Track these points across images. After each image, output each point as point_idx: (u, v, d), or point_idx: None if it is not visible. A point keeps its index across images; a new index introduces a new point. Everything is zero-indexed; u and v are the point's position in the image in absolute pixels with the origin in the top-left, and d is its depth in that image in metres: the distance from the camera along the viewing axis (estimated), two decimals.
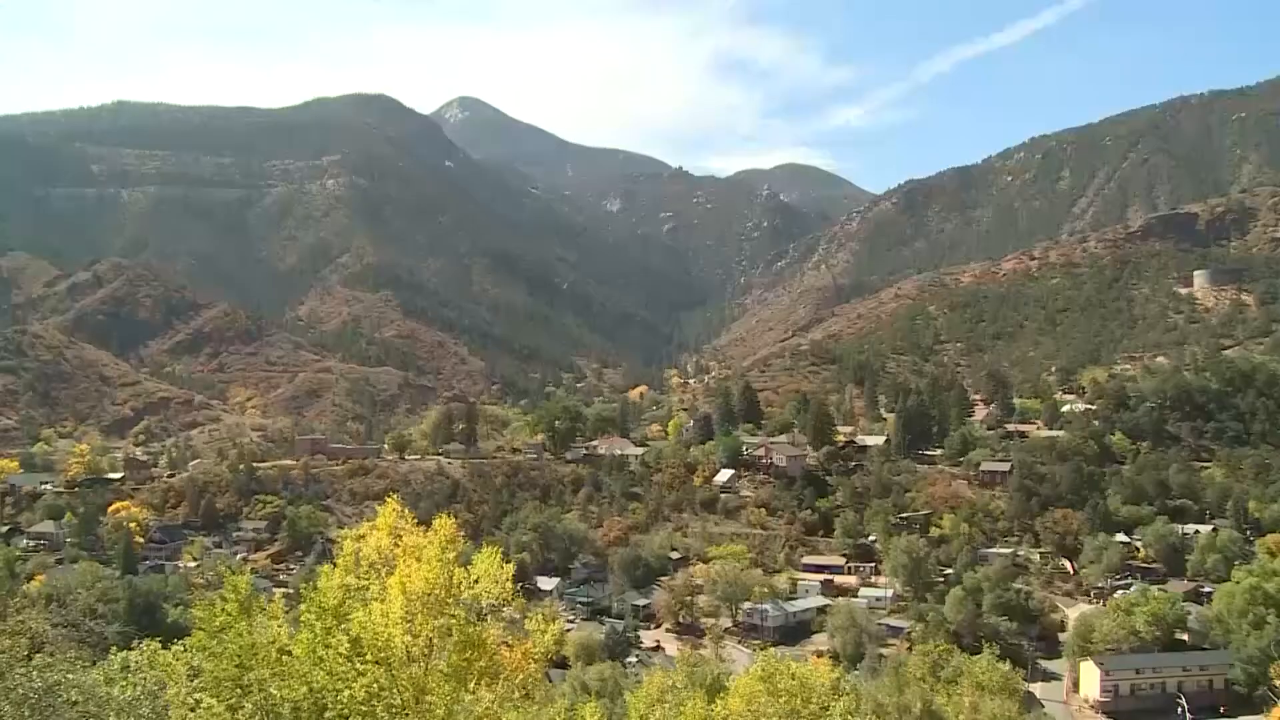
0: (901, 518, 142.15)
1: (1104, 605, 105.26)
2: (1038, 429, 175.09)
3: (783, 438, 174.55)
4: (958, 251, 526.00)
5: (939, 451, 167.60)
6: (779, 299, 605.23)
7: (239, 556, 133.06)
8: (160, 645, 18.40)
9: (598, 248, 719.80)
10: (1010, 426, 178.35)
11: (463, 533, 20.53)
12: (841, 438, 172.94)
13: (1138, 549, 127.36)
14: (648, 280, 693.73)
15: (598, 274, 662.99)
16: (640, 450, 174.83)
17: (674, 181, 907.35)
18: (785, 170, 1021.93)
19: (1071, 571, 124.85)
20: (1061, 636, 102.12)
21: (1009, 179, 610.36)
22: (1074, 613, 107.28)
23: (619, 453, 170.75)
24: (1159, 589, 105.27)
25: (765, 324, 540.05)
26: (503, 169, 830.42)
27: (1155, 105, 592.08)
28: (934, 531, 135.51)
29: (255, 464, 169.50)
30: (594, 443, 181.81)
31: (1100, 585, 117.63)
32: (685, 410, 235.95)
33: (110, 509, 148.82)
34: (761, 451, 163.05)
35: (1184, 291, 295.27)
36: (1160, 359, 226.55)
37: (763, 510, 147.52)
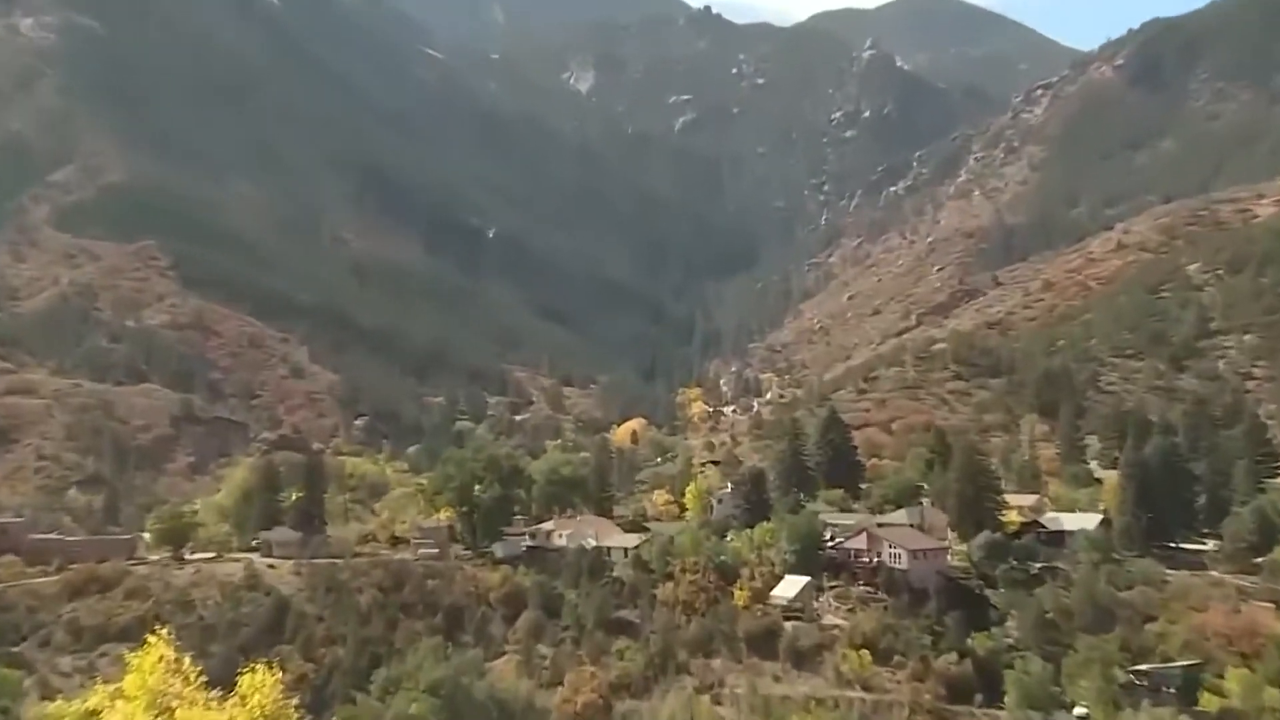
0: (1139, 672, 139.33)
1: None
2: None
3: (901, 514, 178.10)
4: (1246, 158, 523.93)
5: (1211, 546, 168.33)
6: (892, 255, 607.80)
7: None
8: None
9: (553, 162, 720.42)
10: None
11: (296, 699, 19.31)
12: (1015, 515, 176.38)
13: None
14: (647, 223, 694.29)
15: (553, 212, 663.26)
16: (634, 540, 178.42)
17: (695, 33, 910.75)
18: (905, 10, 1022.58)
19: None
20: None
21: None
22: None
23: (592, 544, 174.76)
24: None
25: (867, 301, 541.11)
26: (372, 10, 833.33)
27: None
28: (1207, 702, 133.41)
29: None
30: (545, 525, 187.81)
31: None
32: (717, 463, 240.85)
33: None
34: (862, 542, 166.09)
35: None
36: None
37: (866, 654, 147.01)
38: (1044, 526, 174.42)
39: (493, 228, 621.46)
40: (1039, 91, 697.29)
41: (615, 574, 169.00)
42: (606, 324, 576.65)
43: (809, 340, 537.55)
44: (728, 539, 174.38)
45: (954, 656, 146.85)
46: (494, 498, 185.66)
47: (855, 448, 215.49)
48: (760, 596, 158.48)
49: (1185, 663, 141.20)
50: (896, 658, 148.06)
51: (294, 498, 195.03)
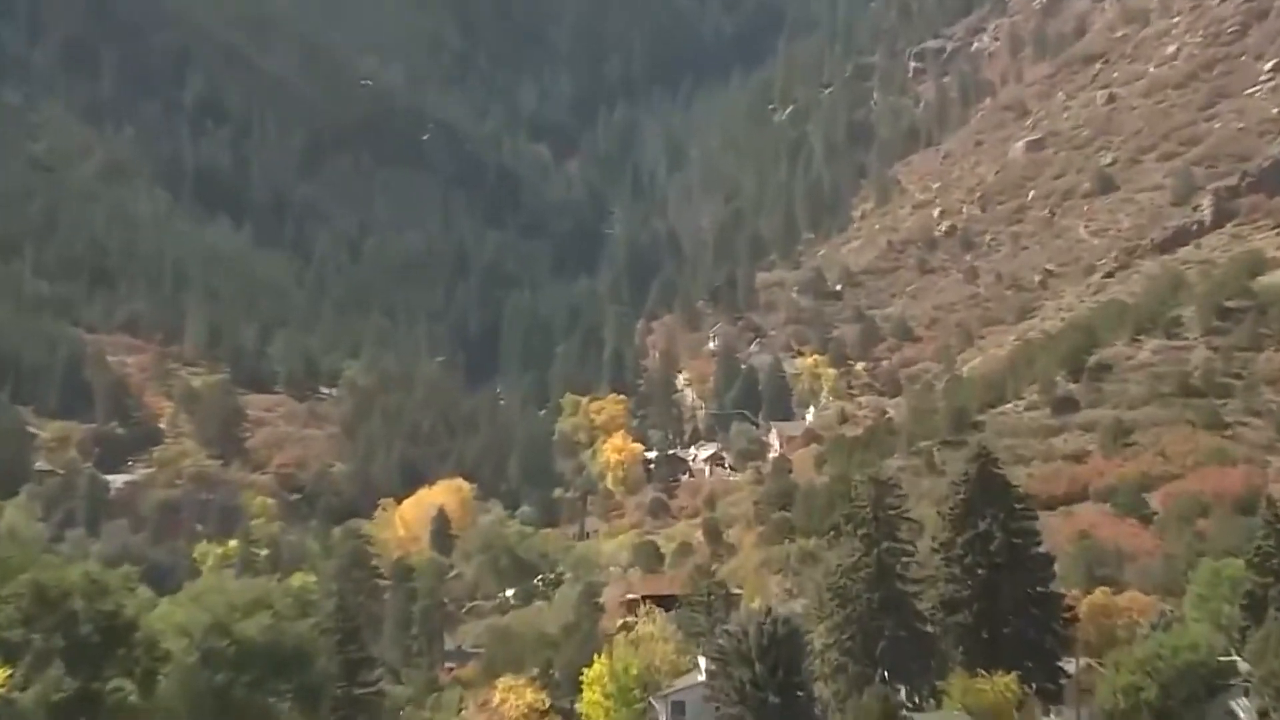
0: None
1: None
2: None
3: None
4: None
5: None
6: (1141, 38, 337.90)
7: None
8: None
9: None
10: None
11: None
12: None
13: None
14: None
15: None
16: None
17: None
18: None
19: None
20: None
21: None
22: None
23: None
24: None
25: (1072, 161, 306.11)
26: None
27: None
28: None
29: None
30: None
31: None
32: (674, 603, 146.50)
33: None
34: None
35: None
36: None
37: None
38: None
39: None
40: None
41: None
42: (363, 221, 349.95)
43: (921, 267, 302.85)
44: None
45: None
46: (56, 702, 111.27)
47: (1049, 559, 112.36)
48: None
49: None
50: None
51: None
